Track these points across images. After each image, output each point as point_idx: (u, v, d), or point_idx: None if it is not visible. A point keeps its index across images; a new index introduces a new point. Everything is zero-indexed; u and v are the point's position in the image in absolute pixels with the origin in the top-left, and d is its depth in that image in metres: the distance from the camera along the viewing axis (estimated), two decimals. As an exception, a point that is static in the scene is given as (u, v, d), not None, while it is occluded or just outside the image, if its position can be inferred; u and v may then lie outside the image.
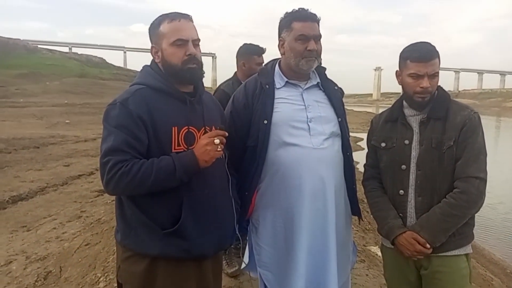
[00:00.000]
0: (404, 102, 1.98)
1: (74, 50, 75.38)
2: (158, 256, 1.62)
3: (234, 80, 3.24)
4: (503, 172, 11.07)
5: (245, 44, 3.25)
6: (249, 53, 3.18)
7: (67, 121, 17.42)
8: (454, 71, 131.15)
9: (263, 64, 2.19)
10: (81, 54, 59.20)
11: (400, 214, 1.92)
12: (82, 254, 4.07)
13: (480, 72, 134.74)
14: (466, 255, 1.87)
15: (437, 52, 1.87)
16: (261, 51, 3.18)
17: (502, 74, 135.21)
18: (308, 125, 1.96)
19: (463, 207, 1.77)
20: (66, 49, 73.99)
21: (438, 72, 1.87)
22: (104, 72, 46.92)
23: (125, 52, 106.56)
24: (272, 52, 2.17)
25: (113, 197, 1.76)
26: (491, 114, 48.04)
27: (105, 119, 1.61)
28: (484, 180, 1.77)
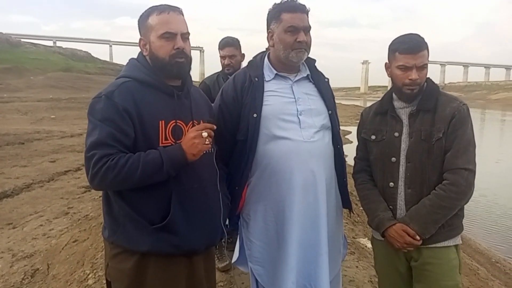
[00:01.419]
0: (394, 95, 1.98)
1: (58, 44, 74.01)
2: (147, 252, 1.59)
3: (221, 73, 3.23)
4: (486, 165, 11.21)
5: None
6: (218, 47, 3.21)
7: (52, 116, 17.14)
8: (440, 64, 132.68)
9: (253, 56, 2.15)
10: (66, 48, 58.09)
11: (390, 206, 1.93)
12: (70, 251, 4.02)
13: (466, 65, 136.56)
14: (456, 246, 1.89)
15: (426, 43, 1.86)
16: (224, 44, 3.16)
17: (487, 67, 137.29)
18: (298, 118, 1.95)
19: (452, 199, 1.78)
20: (50, 43, 72.58)
21: (426, 64, 1.87)
22: (90, 66, 46.19)
23: (111, 46, 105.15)
24: (263, 45, 2.14)
25: (101, 193, 1.73)
26: (476, 106, 48.78)
27: (90, 113, 1.57)
28: (473, 172, 1.79)
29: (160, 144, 1.59)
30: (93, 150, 1.50)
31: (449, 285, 1.84)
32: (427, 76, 1.92)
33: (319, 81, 2.09)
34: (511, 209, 8.08)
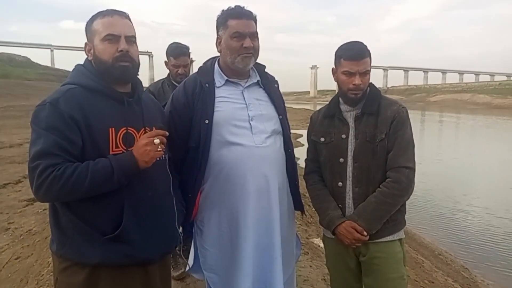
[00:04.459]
0: (340, 99, 2.08)
1: (-7, 48, 69.22)
2: (99, 264, 1.54)
3: (166, 79, 3.18)
4: (425, 165, 11.80)
5: (172, 43, 3.17)
6: (167, 54, 3.13)
7: (-12, 126, 15.95)
8: (383, 69, 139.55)
9: (204, 63, 2.15)
10: (2, 53, 54.43)
11: (340, 205, 2.01)
12: (12, 269, 3.76)
13: (406, 70, 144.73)
14: (400, 240, 2.00)
15: (369, 51, 1.97)
16: (179, 53, 3.08)
17: (425, 71, 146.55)
18: (250, 123, 1.96)
19: (395, 195, 1.89)
20: (-16, 48, 67.65)
21: (369, 70, 1.98)
22: (29, 72, 43.63)
23: (52, 51, 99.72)
24: (212, 49, 2.15)
25: (45, 206, 1.65)
26: (417, 108, 51.60)
27: (33, 121, 1.50)
28: (413, 170, 1.91)
29: (111, 152, 1.55)
30: (38, 160, 1.43)
31: (395, 277, 1.94)
32: (370, 81, 2.04)
33: (269, 86, 2.13)
34: (447, 207, 8.68)
